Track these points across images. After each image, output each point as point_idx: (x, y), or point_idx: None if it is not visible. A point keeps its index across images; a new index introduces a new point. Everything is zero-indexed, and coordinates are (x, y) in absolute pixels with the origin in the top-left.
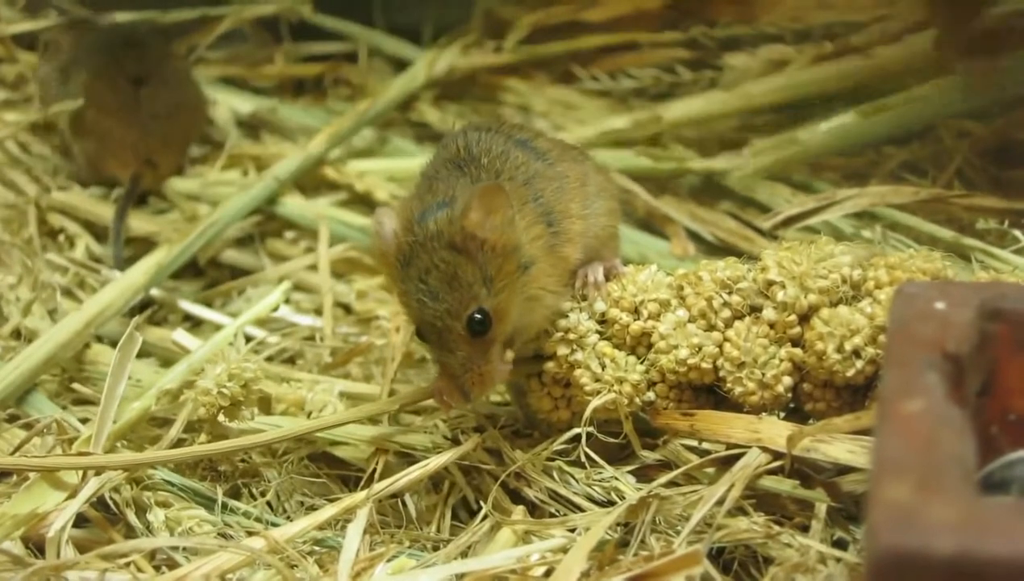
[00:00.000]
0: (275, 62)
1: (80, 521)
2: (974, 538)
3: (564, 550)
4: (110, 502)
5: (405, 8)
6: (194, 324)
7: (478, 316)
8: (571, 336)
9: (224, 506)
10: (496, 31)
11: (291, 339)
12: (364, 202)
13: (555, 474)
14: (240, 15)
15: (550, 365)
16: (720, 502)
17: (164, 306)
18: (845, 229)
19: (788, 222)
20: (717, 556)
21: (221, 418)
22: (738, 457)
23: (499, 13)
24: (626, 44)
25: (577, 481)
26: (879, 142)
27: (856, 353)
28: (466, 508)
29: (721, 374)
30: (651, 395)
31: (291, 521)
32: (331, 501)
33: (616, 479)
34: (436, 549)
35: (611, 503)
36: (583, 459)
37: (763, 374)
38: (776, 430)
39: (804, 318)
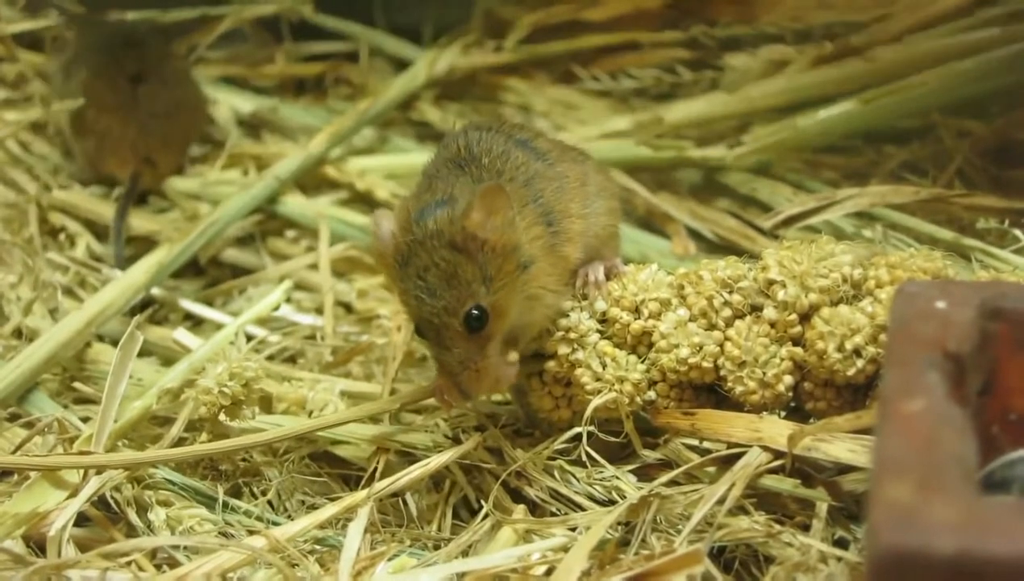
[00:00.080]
0: (276, 61)
1: (81, 520)
2: (975, 538)
3: (565, 549)
4: (111, 501)
5: (406, 8)
6: (195, 323)
7: (475, 312)
8: (572, 335)
9: (225, 505)
10: (496, 31)
11: (292, 338)
12: (365, 201)
13: (556, 473)
14: (241, 14)
15: (551, 364)
16: (721, 501)
17: (165, 305)
18: (846, 228)
19: (789, 221)
20: (718, 555)
21: (222, 417)
22: (739, 456)
23: (499, 13)
24: (627, 44)
25: (578, 480)
26: (879, 130)
27: (857, 352)
28: (467, 507)
29: (722, 373)
30: (652, 394)
31: (292, 520)
32: (332, 500)
33: (617, 478)
34: (437, 548)
35: (612, 502)
36: (584, 458)
37: (764, 373)
38: (777, 429)
39: (805, 317)
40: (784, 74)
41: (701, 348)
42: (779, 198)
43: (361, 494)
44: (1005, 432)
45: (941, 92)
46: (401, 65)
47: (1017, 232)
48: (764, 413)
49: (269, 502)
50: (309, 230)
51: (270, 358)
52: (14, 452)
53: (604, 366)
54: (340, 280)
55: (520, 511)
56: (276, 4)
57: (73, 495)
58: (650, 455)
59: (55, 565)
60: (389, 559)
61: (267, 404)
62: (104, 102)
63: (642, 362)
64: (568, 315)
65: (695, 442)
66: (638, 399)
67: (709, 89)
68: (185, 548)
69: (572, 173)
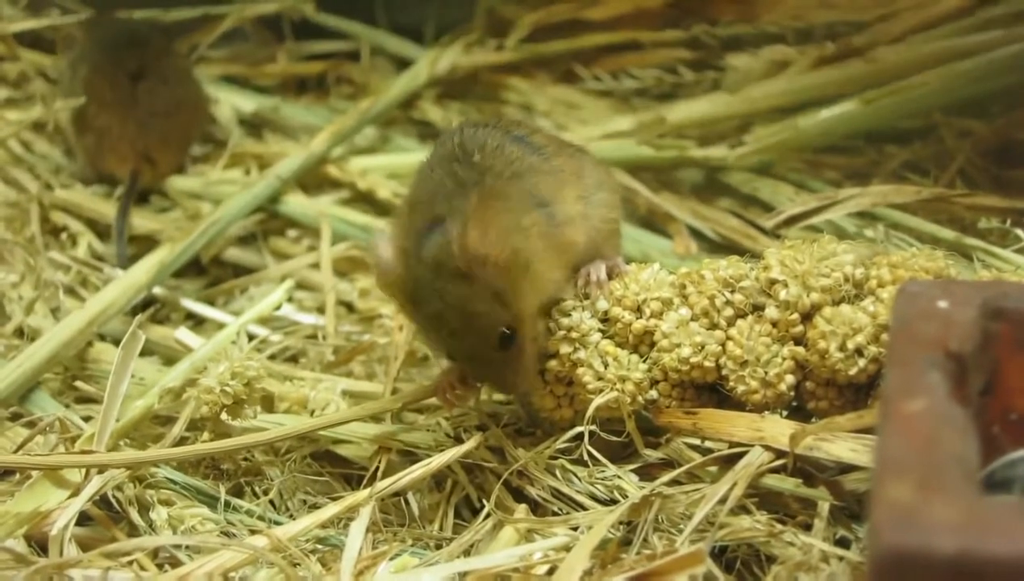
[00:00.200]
0: (277, 61)
1: (83, 519)
2: (976, 538)
3: (567, 548)
4: (113, 500)
5: (407, 7)
6: (197, 322)
7: (506, 332)
8: (574, 335)
9: (227, 504)
10: (498, 30)
11: (294, 337)
12: (366, 200)
13: (558, 472)
14: (242, 14)
15: (553, 363)
16: (723, 501)
17: (167, 304)
18: (847, 228)
19: (791, 221)
20: (720, 555)
21: (224, 416)
22: (741, 455)
23: (501, 12)
24: (628, 43)
25: (580, 479)
26: (880, 130)
27: (859, 352)
28: (469, 506)
29: (724, 372)
30: (654, 394)
31: (294, 519)
32: (334, 499)
33: (619, 477)
34: (439, 547)
35: (614, 501)
36: (586, 457)
37: (766, 372)
38: (779, 429)
39: (807, 317)
40: (786, 74)
41: (703, 347)
42: (781, 198)
43: (363, 493)
44: (1006, 432)
45: (943, 92)
46: (403, 64)
47: (1019, 232)
48: (766, 412)
49: (271, 501)
50: (311, 229)
51: (272, 357)
52: (16, 451)
53: (606, 365)
54: (342, 279)
55: (522, 510)
56: (278, 3)
57: (75, 494)
58: (652, 454)
59: (57, 564)
60: (391, 558)
61: (269, 403)
62: (104, 99)
63: (644, 361)
64: (570, 314)
65: (697, 441)
66: (640, 398)
67: (711, 89)
68: (187, 547)
69: (569, 166)
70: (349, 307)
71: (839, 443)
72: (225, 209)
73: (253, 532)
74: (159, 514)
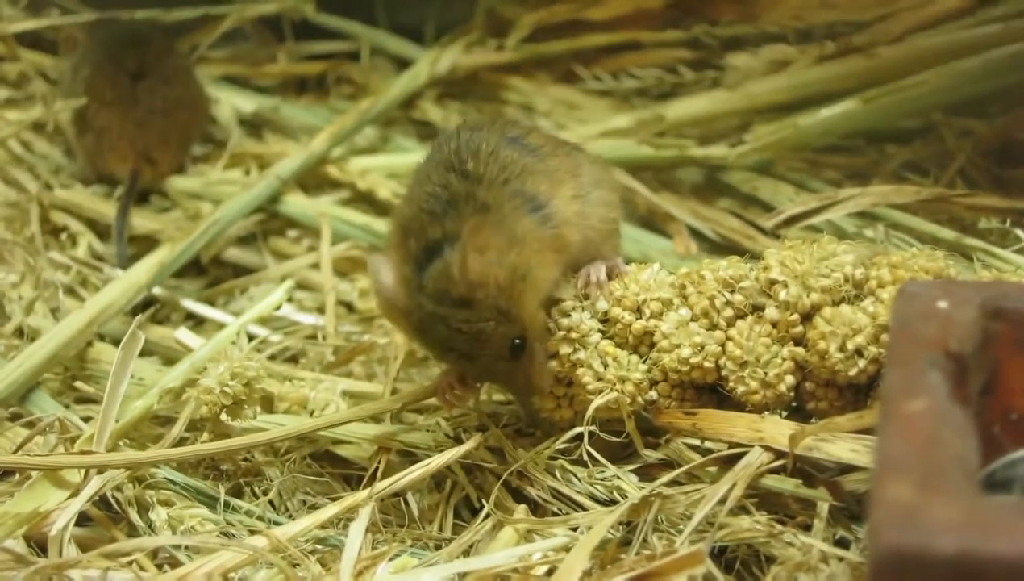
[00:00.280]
0: (277, 61)
1: (82, 520)
2: (976, 538)
3: (566, 549)
4: (112, 501)
5: (407, 7)
6: (196, 323)
7: (516, 342)
8: (573, 335)
9: (226, 505)
10: (498, 30)
11: (293, 338)
12: (366, 200)
13: (557, 473)
14: (242, 14)
15: (552, 364)
16: (722, 501)
17: (166, 305)
18: (847, 228)
19: (790, 221)
20: (719, 555)
21: (223, 417)
22: (740, 456)
23: (501, 12)
24: (628, 43)
25: (579, 480)
26: (880, 130)
27: (858, 352)
28: (468, 507)
29: (723, 373)
30: (653, 394)
31: (293, 520)
32: (333, 500)
33: (618, 478)
34: (438, 548)
35: (613, 502)
36: (585, 458)
37: (765, 373)
38: (778, 429)
39: (806, 317)
40: (786, 72)
41: (703, 348)
42: (781, 197)
43: (362, 494)
44: (1006, 432)
45: (943, 91)
46: (403, 64)
47: (1019, 232)
48: (766, 413)
49: (270, 502)
50: (311, 230)
51: (272, 358)
52: (15, 452)
53: (606, 366)
54: (342, 280)
55: (521, 511)
56: (278, 3)
57: (74, 495)
58: (651, 455)
59: (56, 565)
60: (390, 559)
61: (268, 404)
62: (104, 98)
63: (644, 362)
64: (570, 315)
65: (696, 442)
66: (640, 399)
67: (711, 88)
68: (186, 548)
69: (565, 165)
70: (349, 307)
71: (839, 444)
72: (225, 209)
73: (253, 532)
74: (159, 514)
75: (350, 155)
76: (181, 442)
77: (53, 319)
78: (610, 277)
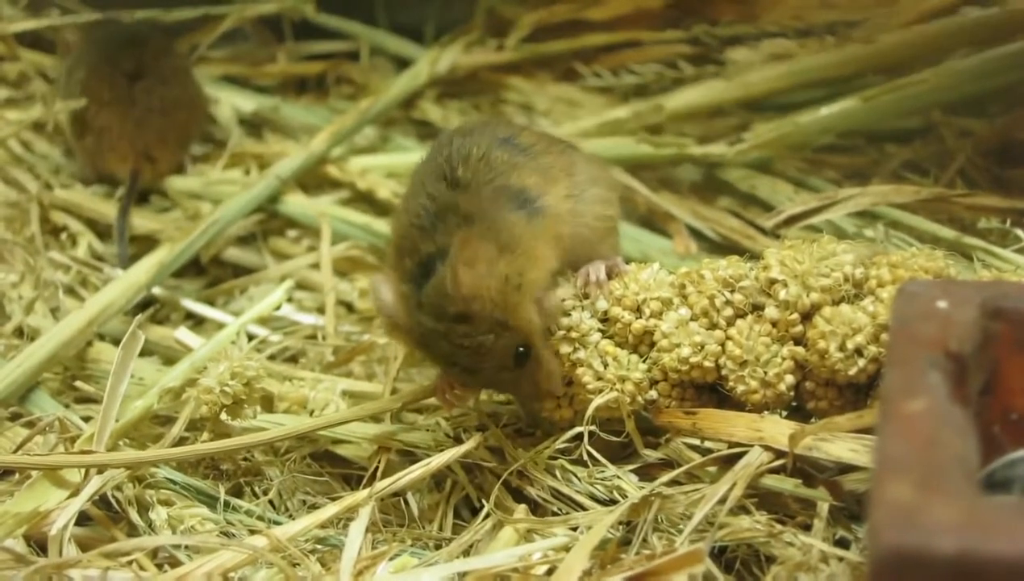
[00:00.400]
0: (277, 61)
1: (82, 519)
2: (976, 538)
3: (566, 549)
4: (112, 500)
5: (407, 6)
6: (196, 322)
7: (520, 350)
8: (573, 335)
9: (226, 504)
10: (498, 29)
11: (293, 337)
12: (366, 200)
13: (557, 473)
14: (242, 14)
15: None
16: (722, 501)
17: (166, 304)
18: (847, 228)
19: (790, 221)
20: (719, 555)
21: (223, 416)
22: (740, 456)
23: (501, 11)
24: (628, 43)
25: (579, 480)
26: (880, 129)
27: (858, 351)
28: (468, 507)
29: (723, 372)
30: (653, 394)
31: (293, 519)
32: (333, 499)
33: (618, 478)
34: (438, 548)
35: (613, 502)
36: (585, 458)
37: (765, 372)
38: (778, 429)
39: (806, 316)
40: (785, 62)
41: (703, 347)
42: (780, 196)
43: (362, 493)
44: (1006, 432)
45: (942, 89)
46: (403, 64)
47: (1019, 232)
48: (765, 412)
49: (270, 501)
50: (310, 229)
51: (271, 357)
52: (15, 451)
53: (605, 365)
54: (342, 279)
55: (521, 511)
56: (278, 3)
57: (74, 494)
58: (651, 454)
59: (56, 564)
60: (390, 559)
61: (268, 403)
62: (102, 99)
63: (643, 361)
64: (570, 314)
65: (696, 442)
66: (639, 398)
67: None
68: (186, 547)
69: (558, 163)
70: (349, 307)
71: (838, 443)
72: (225, 209)
73: (252, 532)
74: (158, 514)
75: (350, 155)
76: (181, 442)
77: (53, 319)
78: (610, 276)
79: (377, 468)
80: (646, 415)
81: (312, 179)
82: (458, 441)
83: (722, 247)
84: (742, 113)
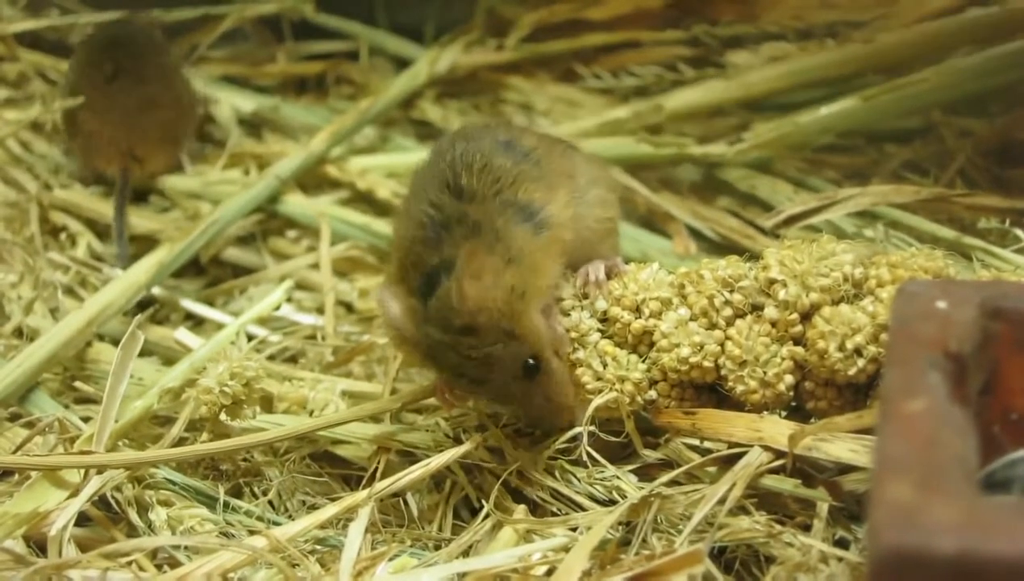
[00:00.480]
0: (277, 61)
1: (82, 520)
2: (976, 538)
3: (566, 549)
4: (112, 501)
5: (407, 7)
6: (196, 323)
7: (529, 362)
8: (573, 335)
9: (226, 505)
10: (498, 29)
11: (293, 338)
12: (366, 200)
13: (557, 473)
14: (242, 14)
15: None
16: (722, 501)
17: (166, 305)
18: (847, 228)
19: (790, 221)
20: (719, 555)
21: (223, 417)
22: (740, 456)
23: (501, 11)
24: (628, 43)
25: (579, 480)
26: (880, 129)
27: (858, 351)
28: (468, 507)
29: (723, 373)
30: (653, 394)
31: (293, 520)
32: (333, 500)
33: (618, 478)
34: (438, 548)
35: (613, 502)
36: (585, 458)
37: (765, 372)
38: (778, 429)
39: (806, 316)
40: (785, 62)
41: (702, 347)
42: (779, 196)
43: (362, 494)
44: (1006, 432)
45: (942, 89)
46: (402, 64)
47: (1018, 231)
48: (765, 413)
49: (270, 502)
50: (310, 229)
51: (271, 358)
52: (15, 452)
53: (605, 365)
54: (341, 280)
55: (521, 511)
56: (278, 3)
57: (74, 495)
58: (651, 455)
59: (56, 565)
60: (390, 559)
61: (268, 404)
62: (87, 101)
63: (643, 361)
64: (569, 314)
65: (696, 442)
66: (639, 399)
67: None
68: (186, 548)
69: (560, 168)
70: (348, 307)
71: (838, 443)
72: (224, 209)
73: (252, 533)
74: (158, 515)
75: (349, 155)
76: (181, 442)
77: (52, 319)
78: (609, 276)
79: (376, 468)
80: (645, 415)
81: (312, 179)
82: (458, 441)
83: (722, 247)
84: (742, 113)
